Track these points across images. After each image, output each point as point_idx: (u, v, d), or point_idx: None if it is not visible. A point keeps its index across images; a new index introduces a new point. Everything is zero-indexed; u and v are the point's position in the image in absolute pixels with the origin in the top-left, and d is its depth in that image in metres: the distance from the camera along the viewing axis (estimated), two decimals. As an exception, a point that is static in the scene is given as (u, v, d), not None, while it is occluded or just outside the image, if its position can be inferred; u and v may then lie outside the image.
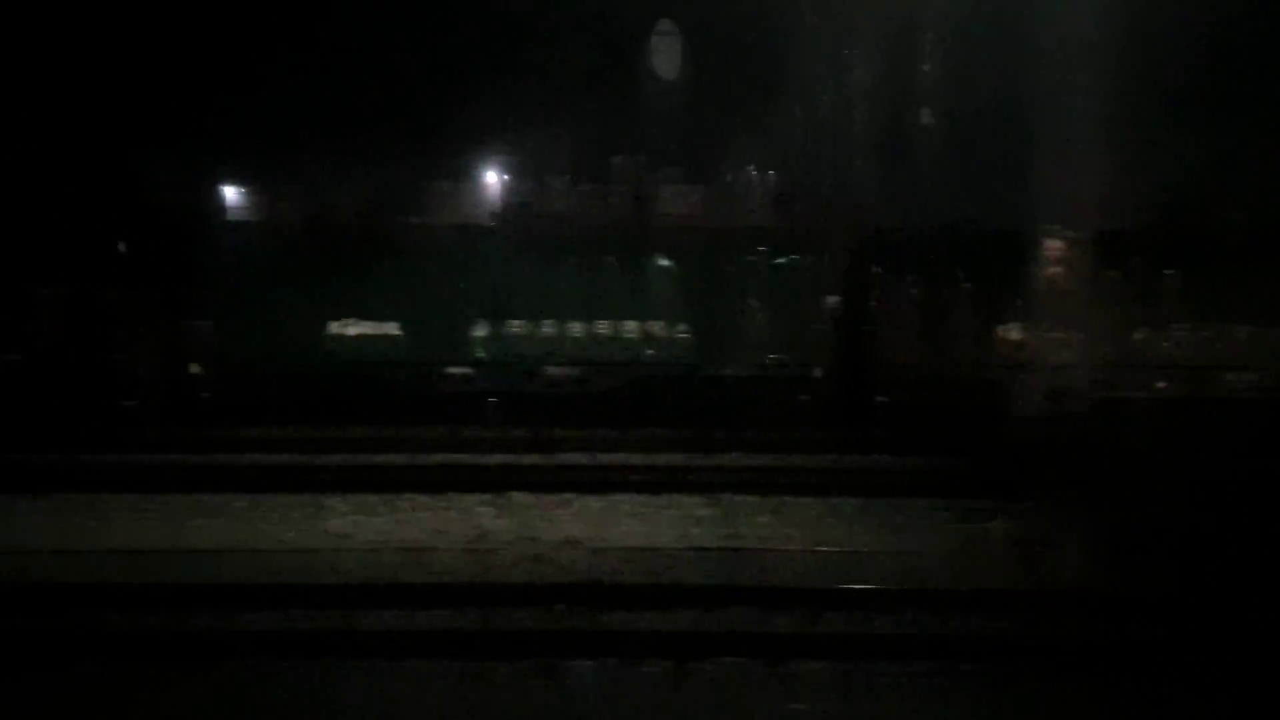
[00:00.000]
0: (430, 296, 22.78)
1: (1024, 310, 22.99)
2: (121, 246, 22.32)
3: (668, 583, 9.62)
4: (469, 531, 11.86)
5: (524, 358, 22.94)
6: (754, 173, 24.74)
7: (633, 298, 23.35)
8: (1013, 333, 23.09)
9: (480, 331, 23.07)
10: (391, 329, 23.04)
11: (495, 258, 23.10)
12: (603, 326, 23.21)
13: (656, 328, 23.31)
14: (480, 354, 23.07)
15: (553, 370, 22.94)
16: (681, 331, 23.29)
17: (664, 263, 23.38)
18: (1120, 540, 11.40)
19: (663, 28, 25.28)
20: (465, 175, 24.50)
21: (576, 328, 23.18)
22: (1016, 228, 20.95)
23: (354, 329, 23.06)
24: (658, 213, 24.01)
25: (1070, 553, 11.08)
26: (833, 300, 22.86)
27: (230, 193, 24.08)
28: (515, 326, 23.15)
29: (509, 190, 24.69)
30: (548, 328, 23.18)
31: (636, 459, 16.72)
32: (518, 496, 13.64)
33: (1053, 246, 16.88)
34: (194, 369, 22.86)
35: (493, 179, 24.83)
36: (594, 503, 13.40)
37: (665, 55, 25.33)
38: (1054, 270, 19.40)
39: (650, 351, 23.16)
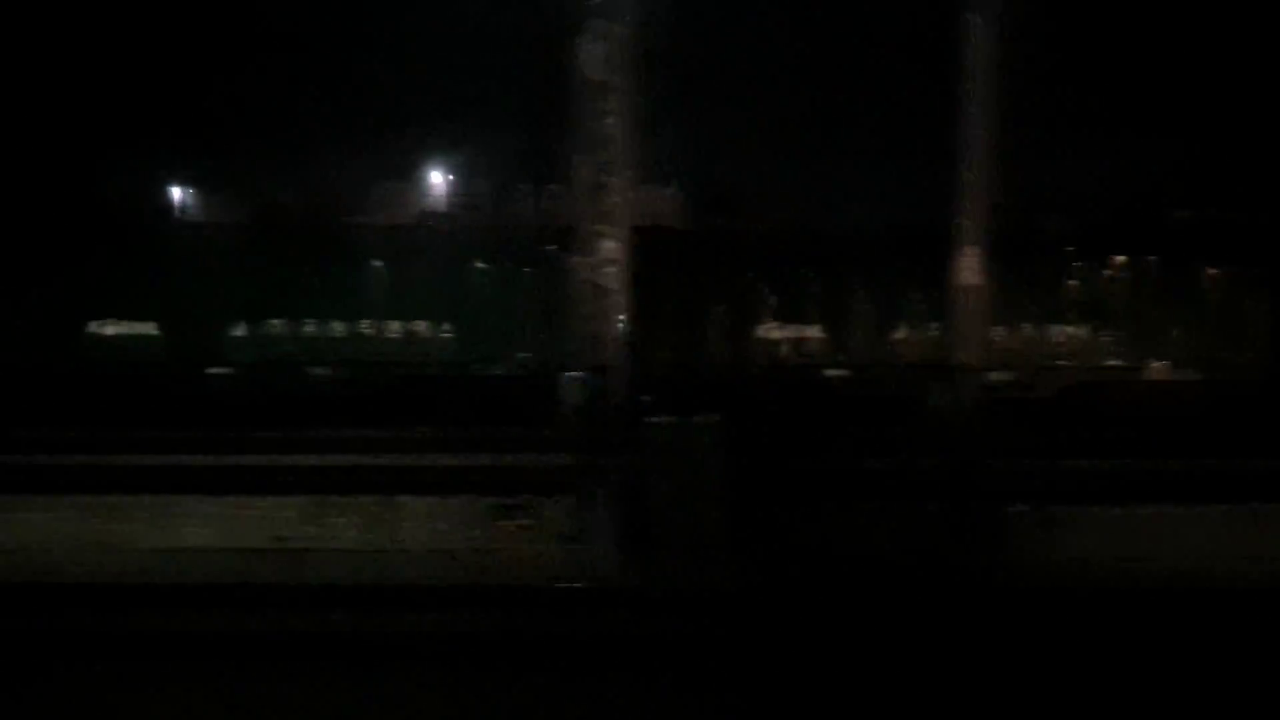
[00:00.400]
0: (190, 296, 22.69)
1: (784, 310, 23.27)
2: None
3: (101, 583, 9.67)
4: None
5: (285, 358, 22.91)
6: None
7: (398, 297, 23.38)
8: (774, 331, 23.31)
9: (241, 332, 23.05)
10: (149, 329, 22.98)
11: (259, 258, 23.04)
12: (366, 326, 23.24)
13: (421, 327, 23.37)
14: (241, 355, 23.00)
15: (316, 370, 22.88)
16: (445, 331, 23.35)
17: (428, 262, 23.40)
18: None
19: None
20: (231, 176, 24.45)
21: (340, 328, 23.19)
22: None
23: (112, 329, 22.99)
24: (425, 213, 24.08)
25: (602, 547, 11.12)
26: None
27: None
28: (276, 326, 23.14)
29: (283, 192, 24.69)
30: (311, 328, 23.18)
31: (311, 460, 16.62)
32: (119, 499, 13.55)
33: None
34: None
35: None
36: (195, 504, 13.34)
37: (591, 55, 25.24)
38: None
39: (415, 351, 23.20)
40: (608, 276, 12.08)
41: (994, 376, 22.72)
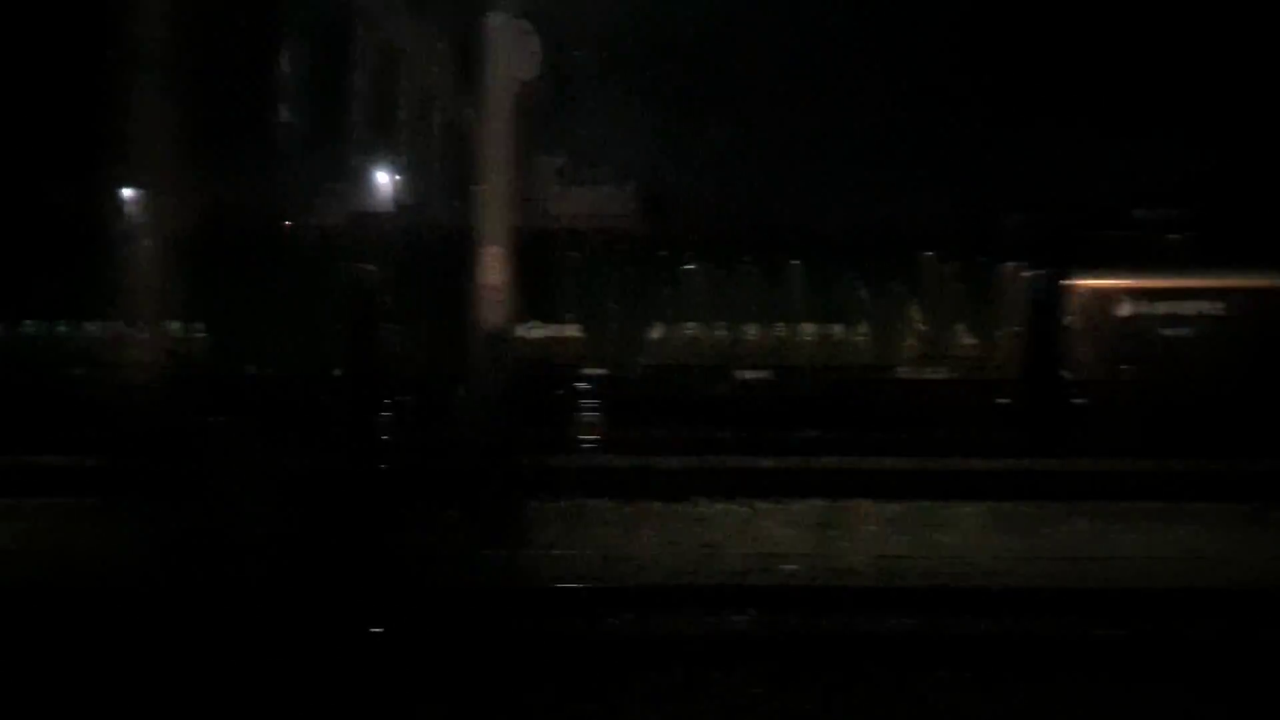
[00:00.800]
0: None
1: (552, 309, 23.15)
2: None
3: None
4: None
5: (36, 360, 22.61)
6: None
7: (153, 295, 22.96)
8: (534, 330, 23.16)
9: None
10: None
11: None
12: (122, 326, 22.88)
13: (174, 327, 23.07)
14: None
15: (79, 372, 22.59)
16: (199, 331, 23.05)
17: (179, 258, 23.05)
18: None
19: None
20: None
21: (94, 328, 22.85)
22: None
23: None
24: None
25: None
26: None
27: None
28: (30, 327, 22.86)
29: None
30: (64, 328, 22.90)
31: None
32: None
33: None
34: None
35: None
36: None
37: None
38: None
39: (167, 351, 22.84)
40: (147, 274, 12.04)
41: (749, 375, 22.84)
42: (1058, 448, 19.98)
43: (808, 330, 22.59)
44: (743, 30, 22.55)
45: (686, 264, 22.68)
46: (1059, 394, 22.01)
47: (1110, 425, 21.05)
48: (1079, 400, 21.89)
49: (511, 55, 24.42)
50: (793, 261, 22.64)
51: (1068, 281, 22.26)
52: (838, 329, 22.66)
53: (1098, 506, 14.08)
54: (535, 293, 22.78)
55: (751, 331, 22.69)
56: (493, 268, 12.12)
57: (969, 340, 22.41)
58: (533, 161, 27.46)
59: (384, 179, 22.70)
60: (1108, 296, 22.07)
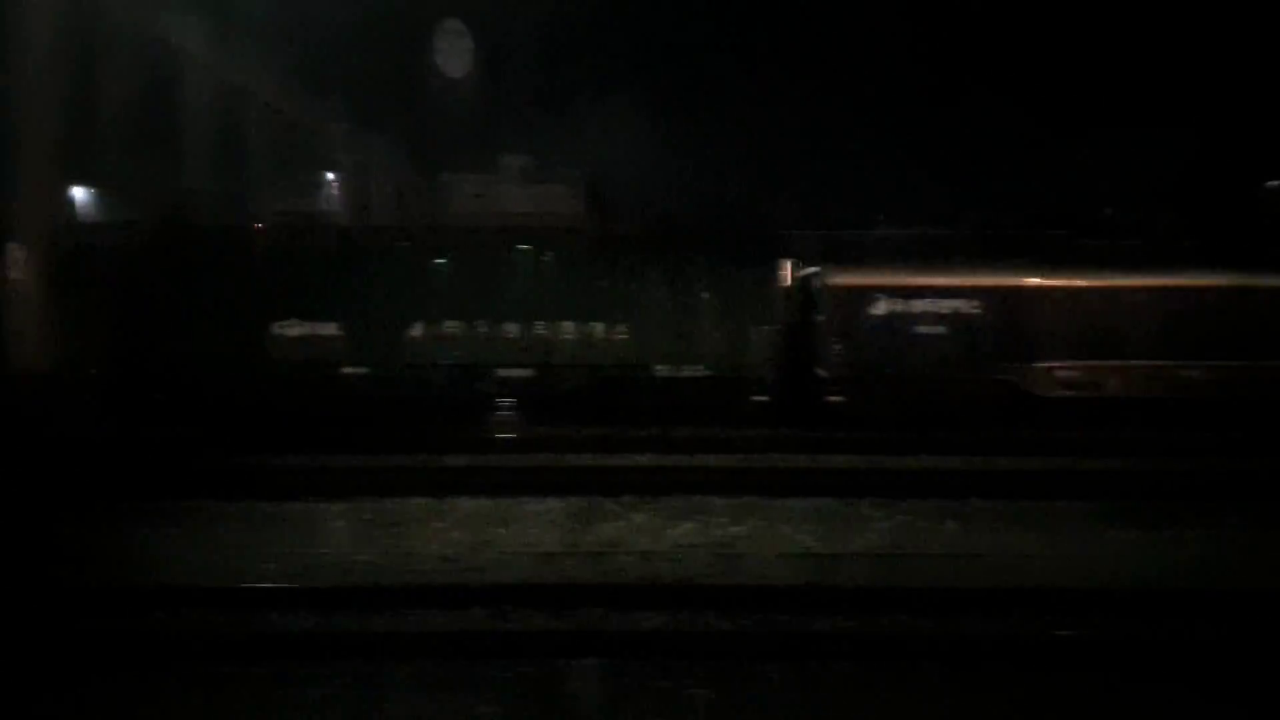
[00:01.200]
0: None
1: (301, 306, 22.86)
2: None
3: None
4: None
5: None
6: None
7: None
8: (292, 329, 22.90)
9: None
10: None
11: None
12: None
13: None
14: None
15: None
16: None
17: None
18: None
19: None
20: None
21: None
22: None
23: None
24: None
25: None
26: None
27: None
28: None
29: None
30: None
31: None
32: None
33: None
34: None
35: None
36: None
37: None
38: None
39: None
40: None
41: (509, 373, 22.63)
42: (794, 445, 19.77)
43: (568, 329, 22.37)
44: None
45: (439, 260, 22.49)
46: (811, 392, 21.88)
47: (858, 424, 20.90)
48: (834, 399, 21.75)
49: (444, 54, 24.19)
50: (544, 257, 22.48)
51: (824, 280, 22.17)
52: (599, 327, 22.45)
53: (723, 502, 13.87)
54: (293, 289, 22.75)
55: (513, 330, 22.45)
56: (16, 266, 11.88)
57: (734, 338, 22.21)
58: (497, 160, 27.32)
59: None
60: (862, 294, 21.92)
